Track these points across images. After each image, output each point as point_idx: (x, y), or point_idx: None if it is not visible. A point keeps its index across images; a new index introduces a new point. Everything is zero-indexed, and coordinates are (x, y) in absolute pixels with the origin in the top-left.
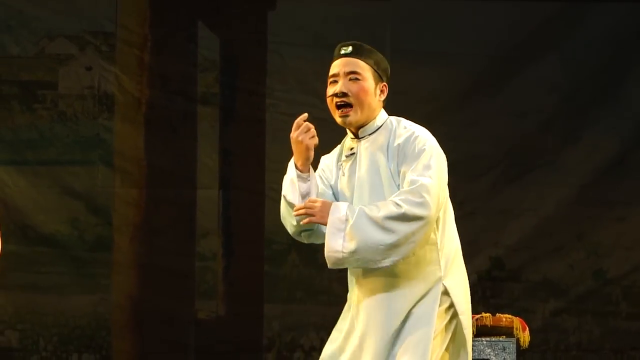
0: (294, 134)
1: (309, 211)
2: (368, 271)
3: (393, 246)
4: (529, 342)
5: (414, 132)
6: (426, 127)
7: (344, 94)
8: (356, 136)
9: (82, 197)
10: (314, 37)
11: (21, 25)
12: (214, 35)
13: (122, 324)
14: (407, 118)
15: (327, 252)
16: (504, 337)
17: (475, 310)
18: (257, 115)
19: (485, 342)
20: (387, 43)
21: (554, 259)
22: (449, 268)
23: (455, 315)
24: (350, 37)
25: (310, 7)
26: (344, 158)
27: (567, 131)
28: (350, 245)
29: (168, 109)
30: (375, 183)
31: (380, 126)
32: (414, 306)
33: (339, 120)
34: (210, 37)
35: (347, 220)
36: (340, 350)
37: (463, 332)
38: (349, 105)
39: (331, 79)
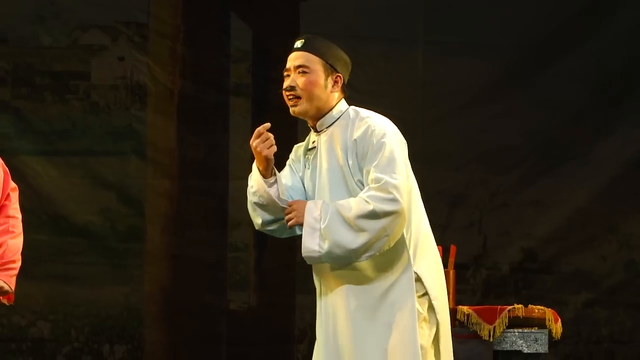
0: (253, 143)
1: (288, 216)
2: (334, 266)
3: (366, 244)
4: (561, 333)
5: (370, 125)
6: (457, 119)
7: (292, 88)
8: (315, 129)
9: (114, 188)
10: (345, 28)
11: (54, 16)
12: (247, 26)
13: (154, 315)
14: (438, 109)
15: (305, 253)
16: (536, 328)
17: (507, 301)
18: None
19: (517, 334)
20: (419, 34)
21: (586, 251)
22: (418, 254)
23: (430, 302)
24: (382, 28)
25: None
26: (308, 152)
27: (599, 123)
28: (325, 245)
29: (200, 100)
30: (335, 179)
31: (338, 118)
32: (386, 294)
33: (290, 110)
34: (242, 28)
35: (321, 219)
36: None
37: (437, 318)
38: (297, 98)
39: (285, 74)
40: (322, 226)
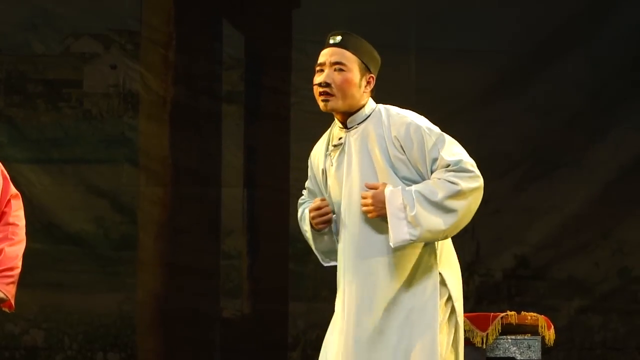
0: (311, 214)
1: (366, 209)
2: (362, 264)
3: (456, 223)
4: (554, 340)
5: (412, 121)
6: (450, 125)
7: (327, 84)
8: (345, 126)
9: (107, 196)
10: None
11: (46, 23)
12: (239, 33)
13: (147, 323)
14: (432, 116)
15: (395, 243)
16: (529, 335)
17: (500, 308)
18: (281, 113)
19: (510, 340)
20: (412, 40)
21: (579, 257)
22: (443, 255)
23: (452, 305)
24: (375, 35)
25: (334, 4)
26: (331, 148)
27: (593, 129)
28: (416, 232)
29: (193, 107)
30: (367, 174)
31: (369, 115)
32: (413, 297)
33: (321, 105)
34: (235, 35)
35: (405, 207)
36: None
37: (457, 320)
38: (331, 95)
39: (318, 68)
40: (411, 214)
